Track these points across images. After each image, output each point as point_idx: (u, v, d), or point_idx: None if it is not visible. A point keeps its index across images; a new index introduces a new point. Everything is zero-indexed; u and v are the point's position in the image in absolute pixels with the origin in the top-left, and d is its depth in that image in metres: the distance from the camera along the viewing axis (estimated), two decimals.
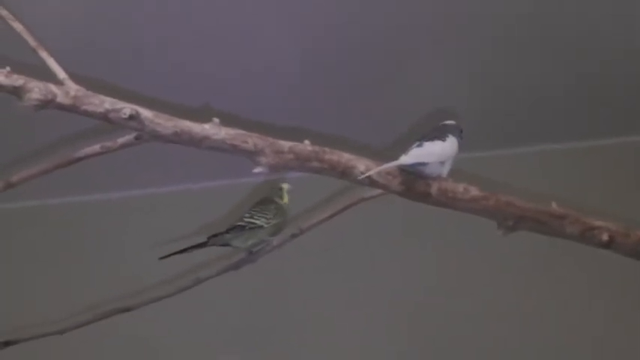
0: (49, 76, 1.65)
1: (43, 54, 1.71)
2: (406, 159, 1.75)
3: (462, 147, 1.89)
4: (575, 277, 3.36)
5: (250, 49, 2.89)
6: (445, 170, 1.80)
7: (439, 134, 1.85)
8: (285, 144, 1.72)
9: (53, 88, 1.61)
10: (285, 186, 2.33)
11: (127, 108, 1.63)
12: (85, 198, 3.67)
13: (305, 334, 3.45)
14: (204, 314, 3.47)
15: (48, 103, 1.61)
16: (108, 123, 1.64)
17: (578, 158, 3.50)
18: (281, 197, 2.31)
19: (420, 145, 1.79)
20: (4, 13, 1.75)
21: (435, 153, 1.78)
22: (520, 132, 3.45)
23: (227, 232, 2.23)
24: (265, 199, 2.32)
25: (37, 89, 1.59)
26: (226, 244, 2.25)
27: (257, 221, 2.22)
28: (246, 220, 2.23)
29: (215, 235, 2.25)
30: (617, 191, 3.40)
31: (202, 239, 2.26)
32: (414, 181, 1.77)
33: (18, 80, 1.59)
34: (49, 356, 3.21)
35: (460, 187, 1.79)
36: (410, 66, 3.04)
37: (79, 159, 1.72)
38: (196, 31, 2.80)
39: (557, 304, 3.37)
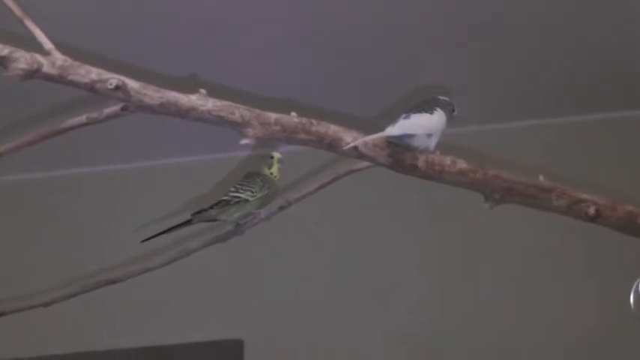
0: (35, 47, 1.64)
1: (30, 24, 1.70)
2: (393, 130, 1.75)
3: (450, 121, 1.90)
4: (564, 251, 3.39)
5: (238, 20, 2.89)
6: (432, 143, 1.81)
7: (427, 107, 1.86)
8: (272, 115, 1.72)
9: (39, 58, 1.61)
10: (277, 155, 2.32)
11: (113, 78, 1.62)
12: (70, 171, 3.67)
13: (292, 306, 3.46)
14: (191, 286, 3.47)
15: (34, 73, 1.60)
16: (94, 94, 1.64)
17: (566, 133, 3.52)
18: (270, 167, 2.30)
19: (407, 117, 1.80)
20: None
21: (421, 125, 1.79)
22: (508, 107, 3.46)
23: (211, 207, 2.22)
24: (252, 173, 2.32)
25: (22, 59, 1.58)
26: (213, 220, 2.25)
27: (242, 195, 2.21)
28: (231, 194, 2.22)
29: (199, 212, 2.24)
30: (605, 165, 3.41)
31: (186, 216, 2.25)
32: (401, 154, 1.77)
33: (3, 50, 1.58)
34: (35, 329, 3.22)
35: (447, 160, 1.80)
36: (401, 38, 3.04)
37: (65, 130, 1.72)
38: (184, 1, 2.79)
39: (550, 276, 3.39)
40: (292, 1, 2.87)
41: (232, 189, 2.24)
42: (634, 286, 2.45)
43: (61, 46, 1.66)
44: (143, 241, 2.25)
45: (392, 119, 1.81)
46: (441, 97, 1.94)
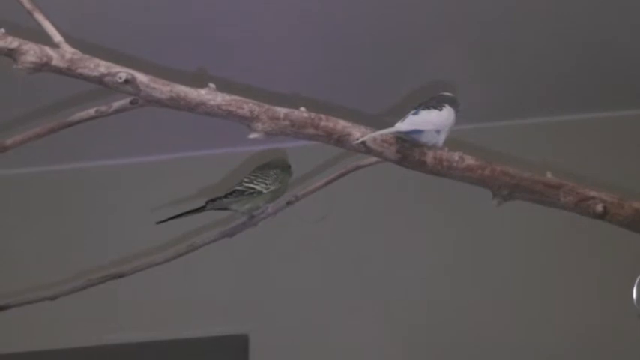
0: (44, 39, 1.64)
1: (39, 17, 1.70)
2: (402, 126, 1.76)
3: (458, 117, 1.90)
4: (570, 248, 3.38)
5: (247, 14, 2.89)
6: (441, 139, 1.81)
7: (436, 103, 1.86)
8: (281, 110, 1.73)
9: (49, 50, 1.61)
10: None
11: (122, 72, 1.63)
12: (80, 164, 3.67)
13: (297, 302, 3.46)
14: (196, 281, 3.47)
15: (43, 66, 1.61)
16: (103, 87, 1.64)
17: (574, 130, 3.51)
18: (286, 171, 2.32)
19: (416, 113, 1.80)
20: None
21: (430, 121, 1.79)
22: (516, 104, 3.46)
23: (225, 196, 2.23)
24: (266, 165, 2.33)
25: (32, 52, 1.59)
26: (225, 208, 2.26)
27: (256, 187, 2.22)
28: (245, 185, 2.23)
29: (213, 200, 2.25)
30: (610, 163, 3.40)
31: (200, 204, 2.26)
32: (409, 150, 1.78)
33: (13, 42, 1.59)
34: (41, 322, 3.22)
35: (455, 156, 1.80)
36: (409, 34, 3.04)
37: (74, 123, 1.72)
38: None
39: (556, 274, 3.38)
40: None
41: (246, 180, 2.25)
42: (637, 281, 2.44)
43: (70, 39, 1.66)
44: (158, 222, 2.27)
45: (395, 115, 1.82)
46: (448, 94, 1.94)
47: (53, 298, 2.22)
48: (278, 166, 2.32)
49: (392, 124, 1.77)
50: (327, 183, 2.13)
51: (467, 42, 3.10)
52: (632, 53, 3.18)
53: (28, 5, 1.71)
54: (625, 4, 2.92)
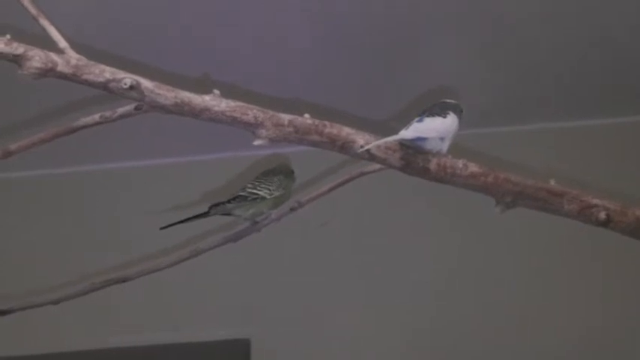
0: (49, 45, 1.65)
1: (44, 22, 1.70)
2: (406, 133, 1.76)
3: (462, 123, 1.90)
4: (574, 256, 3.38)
5: (251, 20, 2.89)
6: (445, 146, 1.81)
7: (440, 110, 1.86)
8: (285, 117, 1.73)
9: (54, 56, 1.61)
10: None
11: (127, 78, 1.63)
12: (84, 168, 3.67)
13: (299, 306, 3.46)
14: (199, 286, 3.47)
15: (48, 72, 1.61)
16: (108, 93, 1.64)
17: (578, 136, 3.51)
18: (290, 177, 2.32)
19: (420, 120, 1.80)
20: None
21: (434, 128, 1.79)
22: (520, 109, 3.46)
23: (228, 201, 2.23)
24: (270, 171, 2.32)
25: (37, 57, 1.59)
26: (228, 214, 2.26)
27: (259, 192, 2.22)
28: (249, 190, 2.23)
29: (216, 205, 2.25)
30: (616, 169, 3.40)
31: (203, 209, 2.26)
32: (413, 157, 1.78)
33: (18, 48, 1.59)
34: (44, 325, 3.22)
35: (459, 163, 1.80)
36: (412, 41, 3.04)
37: (78, 128, 1.72)
38: (198, 1, 2.80)
39: (557, 277, 3.38)
40: (304, 2, 2.87)
41: (250, 185, 2.25)
42: None
43: (75, 45, 1.66)
44: (162, 228, 2.26)
45: (399, 121, 1.82)
46: (451, 101, 1.94)
47: (56, 302, 2.21)
48: (282, 172, 2.32)
49: (396, 130, 1.77)
50: (331, 189, 2.13)
51: (471, 48, 3.10)
52: (636, 58, 3.18)
53: (33, 11, 1.71)
54: (629, 8, 2.92)
